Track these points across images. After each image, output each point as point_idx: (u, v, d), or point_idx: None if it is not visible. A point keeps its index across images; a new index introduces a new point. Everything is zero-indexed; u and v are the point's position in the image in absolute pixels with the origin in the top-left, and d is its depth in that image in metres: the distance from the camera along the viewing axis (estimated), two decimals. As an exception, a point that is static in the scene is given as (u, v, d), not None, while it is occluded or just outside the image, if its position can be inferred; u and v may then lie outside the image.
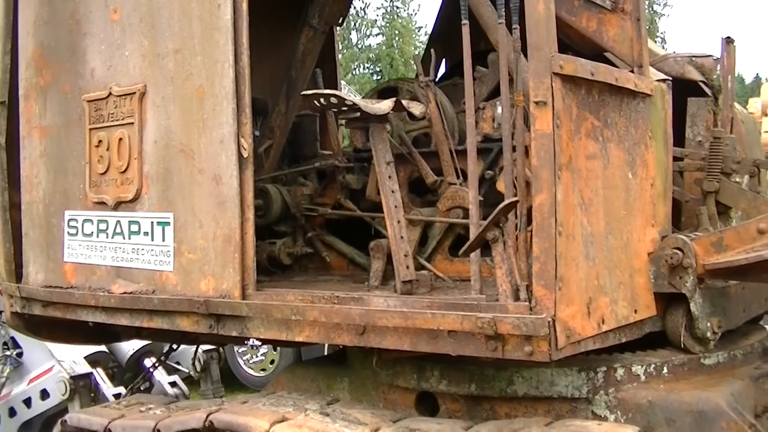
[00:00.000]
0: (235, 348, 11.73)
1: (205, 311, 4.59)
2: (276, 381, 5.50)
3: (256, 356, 11.77)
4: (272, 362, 11.48)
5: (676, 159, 4.84)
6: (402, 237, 4.37)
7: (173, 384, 9.11)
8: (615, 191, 4.04)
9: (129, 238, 5.01)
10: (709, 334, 4.38)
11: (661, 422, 4.03)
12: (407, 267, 4.32)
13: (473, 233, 3.87)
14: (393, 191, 4.42)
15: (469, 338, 3.71)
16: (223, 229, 4.53)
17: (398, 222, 4.38)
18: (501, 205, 3.65)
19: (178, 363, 10.02)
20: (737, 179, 4.97)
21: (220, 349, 9.47)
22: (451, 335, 3.77)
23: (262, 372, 11.55)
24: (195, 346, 7.31)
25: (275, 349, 11.47)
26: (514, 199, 3.71)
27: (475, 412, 4.45)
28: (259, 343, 11.32)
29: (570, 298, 3.61)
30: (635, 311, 4.14)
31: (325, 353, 7.39)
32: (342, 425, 4.18)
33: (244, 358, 11.81)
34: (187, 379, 9.68)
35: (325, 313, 4.13)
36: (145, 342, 9.06)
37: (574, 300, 3.64)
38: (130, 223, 5.00)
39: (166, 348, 6.90)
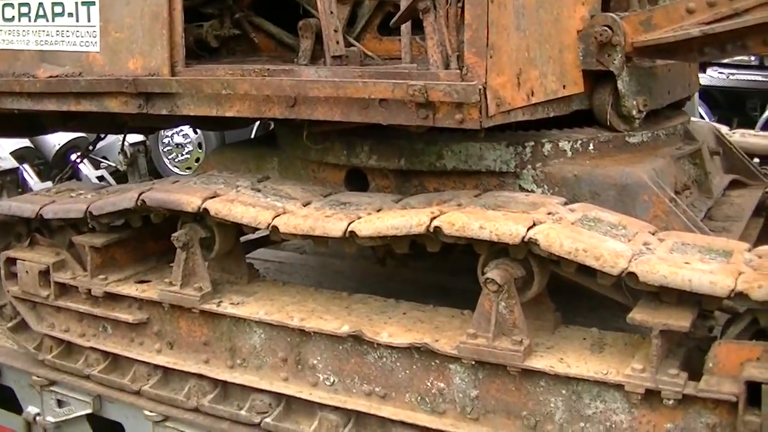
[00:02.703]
0: (160, 147, 11.66)
1: (134, 90, 4.54)
2: (205, 162, 5.51)
3: (182, 155, 11.72)
4: (197, 160, 11.39)
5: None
6: (332, 12, 4.32)
7: (100, 178, 9.11)
8: (547, -37, 4.02)
9: (53, 20, 4.90)
10: (634, 112, 4.45)
11: (585, 195, 4.13)
12: (337, 42, 4.29)
13: (404, 4, 3.83)
14: (323, -36, 4.34)
15: (401, 107, 3.72)
16: (151, 6, 4.45)
17: (328, -3, 4.32)
18: (433, -26, 3.62)
19: (104, 157, 9.96)
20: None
21: (147, 141, 9.43)
22: (383, 104, 3.77)
23: (187, 171, 11.39)
24: (122, 137, 7.20)
25: (200, 147, 11.43)
26: (446, -32, 3.67)
27: (405, 188, 4.53)
28: (184, 141, 11.33)
29: (501, 67, 3.63)
30: (564, 86, 4.18)
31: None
32: (273, 200, 4.23)
33: (170, 157, 11.74)
34: (115, 174, 9.64)
35: (256, 86, 4.10)
36: (71, 136, 9.00)
37: (504, 69, 3.66)
38: (54, 4, 4.87)
39: (93, 138, 6.83)
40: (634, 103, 4.43)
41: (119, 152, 8.45)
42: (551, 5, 4.05)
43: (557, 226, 3.48)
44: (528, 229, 3.43)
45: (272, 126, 5.61)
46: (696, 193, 4.83)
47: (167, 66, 4.43)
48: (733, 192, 5.35)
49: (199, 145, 11.46)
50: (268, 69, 4.18)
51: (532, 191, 4.23)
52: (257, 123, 7.71)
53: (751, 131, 6.75)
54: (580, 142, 4.36)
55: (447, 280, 5.25)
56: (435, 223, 3.58)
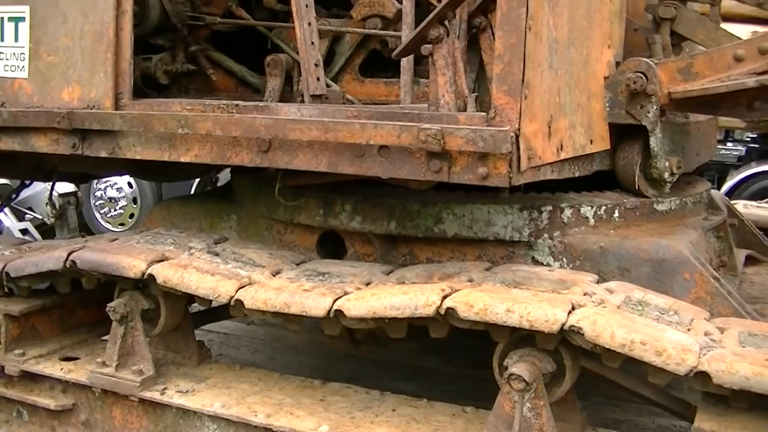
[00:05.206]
0: (92, 201, 10.94)
1: (68, 126, 3.83)
2: (149, 219, 4.75)
3: (114, 210, 10.99)
4: (131, 216, 10.73)
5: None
6: (313, 43, 3.62)
7: (24, 231, 8.50)
8: (579, -5, 3.36)
9: (-27, 40, 4.21)
10: (666, 176, 3.85)
11: (614, 271, 3.50)
12: (318, 79, 3.58)
13: (406, 36, 3.15)
14: (304, -14, 3.65)
15: (406, 156, 3.01)
16: (94, 24, 3.78)
17: (309, 24, 3.62)
18: (448, -2, 2.94)
19: (30, 208, 9.31)
20: (695, 8, 4.39)
21: (78, 192, 8.69)
22: (383, 152, 3.05)
23: (120, 227, 10.78)
24: (50, 185, 6.41)
25: (135, 203, 10.71)
26: (465, -10, 3.01)
27: (390, 256, 3.85)
28: (118, 195, 10.63)
29: (533, 112, 2.94)
30: (591, 141, 3.52)
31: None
32: (235, 266, 3.55)
33: (102, 211, 11.02)
34: (41, 227, 9.03)
35: (222, 125, 3.35)
36: (-7, 182, 8.25)
37: (537, 115, 2.97)
38: (-26, 20, 4.19)
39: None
40: (667, 164, 3.80)
41: (46, 203, 7.74)
42: (582, 43, 3.40)
43: (604, 311, 2.80)
44: (568, 314, 2.73)
45: (216, 181, 4.90)
46: (722, 271, 4.21)
47: (110, 98, 3.74)
48: (747, 269, 4.77)
49: (134, 200, 10.78)
50: (236, 105, 3.45)
51: (548, 265, 3.55)
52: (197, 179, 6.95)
53: (753, 203, 6.25)
54: (604, 208, 3.70)
55: (414, 359, 4.79)
56: (447, 303, 2.87)
